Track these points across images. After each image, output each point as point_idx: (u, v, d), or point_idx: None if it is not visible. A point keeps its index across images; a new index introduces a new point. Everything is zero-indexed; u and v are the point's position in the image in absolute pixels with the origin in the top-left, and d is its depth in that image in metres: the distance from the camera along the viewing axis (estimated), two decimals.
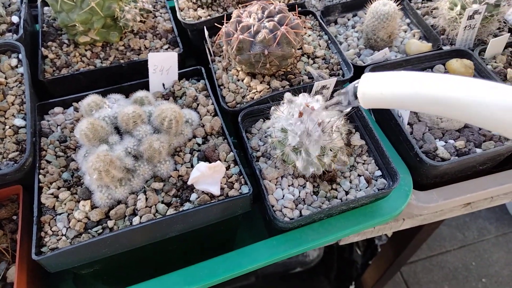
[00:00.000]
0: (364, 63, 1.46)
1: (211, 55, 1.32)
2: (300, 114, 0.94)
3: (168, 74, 1.24)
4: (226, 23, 1.22)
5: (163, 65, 1.22)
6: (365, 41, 1.53)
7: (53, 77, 1.26)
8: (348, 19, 1.65)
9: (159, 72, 1.23)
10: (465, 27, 1.42)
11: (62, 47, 1.38)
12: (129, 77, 1.26)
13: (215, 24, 1.28)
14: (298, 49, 1.32)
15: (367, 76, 0.73)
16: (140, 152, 0.96)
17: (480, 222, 3.16)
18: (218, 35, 1.24)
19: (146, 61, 1.29)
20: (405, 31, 1.58)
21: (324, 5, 1.78)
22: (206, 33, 1.31)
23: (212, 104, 1.17)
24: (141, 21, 1.44)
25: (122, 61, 1.34)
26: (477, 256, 2.95)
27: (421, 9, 1.66)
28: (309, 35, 1.39)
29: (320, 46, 1.35)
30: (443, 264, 2.91)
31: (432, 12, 1.61)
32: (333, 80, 1.13)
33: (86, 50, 1.37)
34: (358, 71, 1.33)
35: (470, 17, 1.39)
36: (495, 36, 1.54)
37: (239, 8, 1.23)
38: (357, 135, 1.16)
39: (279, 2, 1.41)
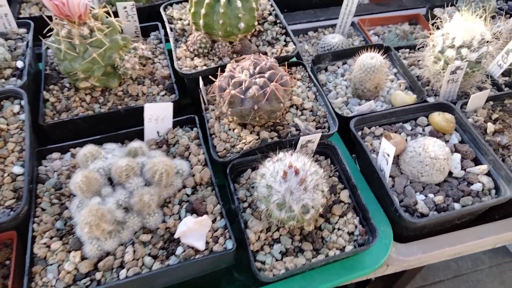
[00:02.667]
0: (351, 112, 1.53)
1: (205, 104, 1.39)
2: (285, 174, 1.00)
3: (163, 122, 1.30)
4: (220, 74, 1.29)
5: (158, 114, 1.28)
6: (353, 90, 1.60)
7: (53, 122, 1.33)
8: (338, 67, 1.73)
9: (154, 121, 1.29)
10: (448, 81, 1.49)
11: (63, 91, 1.45)
12: (126, 122, 1.32)
13: (210, 76, 1.35)
14: (288, 100, 1.38)
15: None
16: (130, 205, 1.01)
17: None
18: (212, 87, 1.31)
19: (143, 107, 1.36)
20: (392, 81, 1.65)
21: (317, 50, 1.87)
22: (201, 83, 1.38)
23: (203, 153, 1.23)
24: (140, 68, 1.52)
25: (120, 107, 1.41)
26: (471, 287, 2.95)
27: (408, 59, 1.74)
28: (299, 87, 1.46)
29: (308, 98, 1.42)
30: None
31: (418, 62, 1.69)
32: (318, 135, 1.19)
33: (86, 95, 1.44)
34: (345, 121, 1.39)
35: (453, 72, 1.46)
36: (479, 88, 1.61)
37: (233, 62, 1.31)
38: (346, 192, 1.20)
39: (273, 53, 1.49)
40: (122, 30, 1.64)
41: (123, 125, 1.31)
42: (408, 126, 1.46)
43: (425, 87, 1.61)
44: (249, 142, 1.27)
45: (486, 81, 1.60)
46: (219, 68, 1.39)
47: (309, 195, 1.01)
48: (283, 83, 1.25)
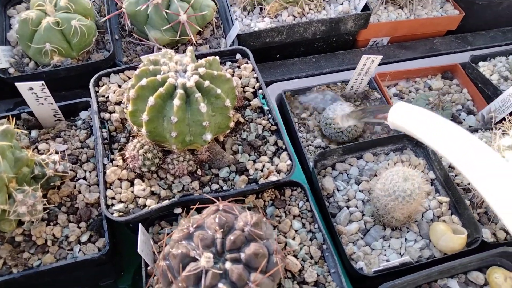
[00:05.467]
0: (370, 253, 1.04)
1: (147, 276, 0.88)
2: None
3: None
4: (178, 227, 0.79)
5: None
6: (374, 214, 1.11)
7: None
8: (351, 165, 1.22)
9: None
10: None
11: None
12: None
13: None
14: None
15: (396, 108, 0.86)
16: None
17: None
18: (156, 267, 0.80)
19: (53, 269, 0.88)
20: (429, 194, 1.16)
21: (318, 122, 1.34)
22: (140, 237, 0.86)
23: None
24: (54, 187, 0.99)
25: (14, 269, 0.89)
26: None
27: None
28: (296, 233, 0.95)
29: (311, 256, 0.92)
30: None
31: None
32: None
33: None
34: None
35: None
36: None
37: (188, 219, 0.79)
38: None
39: (257, 171, 0.97)
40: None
41: None
42: (455, 285, 0.98)
43: (476, 208, 1.12)
44: None
45: None
46: (174, 205, 0.89)
47: None
48: (274, 274, 0.75)
